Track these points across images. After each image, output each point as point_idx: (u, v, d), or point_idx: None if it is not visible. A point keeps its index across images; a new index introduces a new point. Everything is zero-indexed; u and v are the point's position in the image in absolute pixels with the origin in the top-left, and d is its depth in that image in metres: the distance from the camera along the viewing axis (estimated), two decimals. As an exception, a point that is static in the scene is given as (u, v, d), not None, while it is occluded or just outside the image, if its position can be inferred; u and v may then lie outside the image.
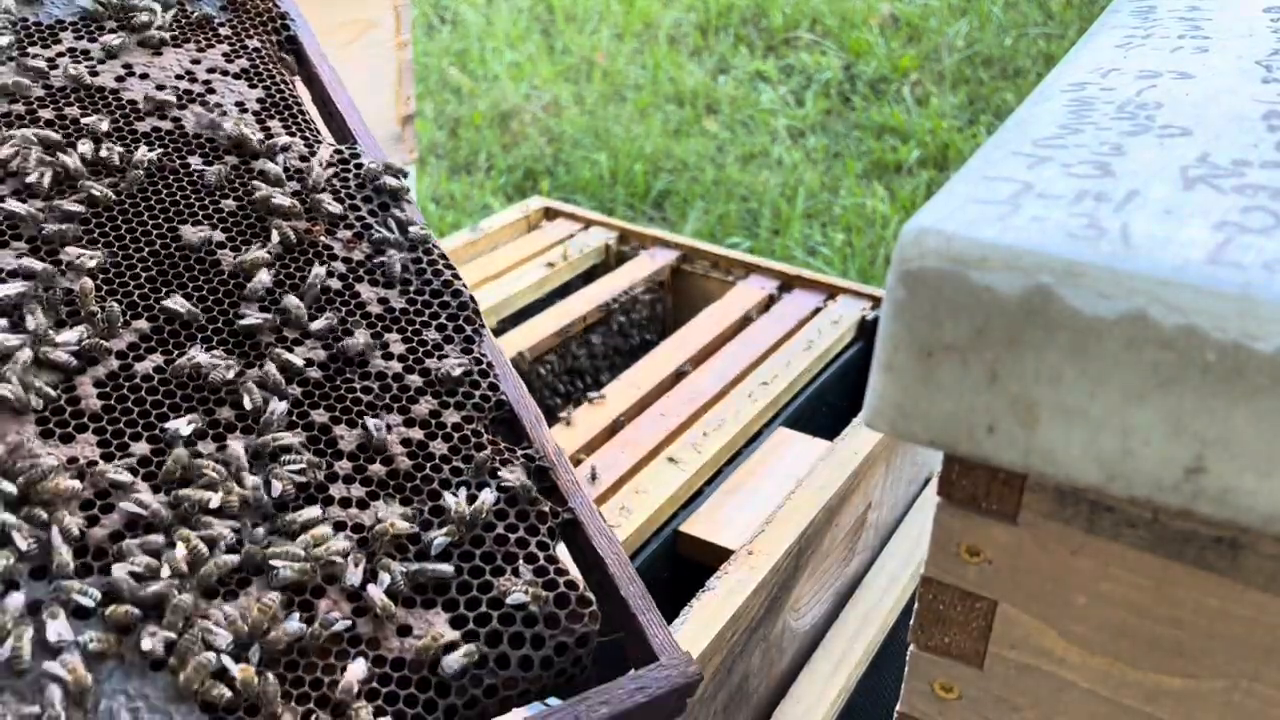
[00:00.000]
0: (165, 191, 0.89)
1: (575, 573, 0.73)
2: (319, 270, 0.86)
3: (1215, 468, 0.46)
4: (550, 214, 1.97)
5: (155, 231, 0.86)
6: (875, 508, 1.44)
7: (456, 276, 0.90)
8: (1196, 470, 0.47)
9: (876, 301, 1.71)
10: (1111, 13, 0.80)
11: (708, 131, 3.64)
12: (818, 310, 1.69)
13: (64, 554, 0.65)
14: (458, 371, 0.82)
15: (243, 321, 0.81)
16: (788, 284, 1.76)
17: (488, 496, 0.74)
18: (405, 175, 0.96)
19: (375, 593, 0.68)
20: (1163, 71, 0.67)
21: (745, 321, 1.67)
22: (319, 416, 0.78)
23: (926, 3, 4.28)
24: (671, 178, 3.40)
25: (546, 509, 0.76)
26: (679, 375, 1.51)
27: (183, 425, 0.74)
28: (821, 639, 1.33)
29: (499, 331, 1.64)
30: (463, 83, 3.89)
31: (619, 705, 0.66)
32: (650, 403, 1.44)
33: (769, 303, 1.73)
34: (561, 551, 0.75)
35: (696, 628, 1.07)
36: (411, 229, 0.92)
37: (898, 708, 0.68)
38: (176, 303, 0.81)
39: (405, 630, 0.68)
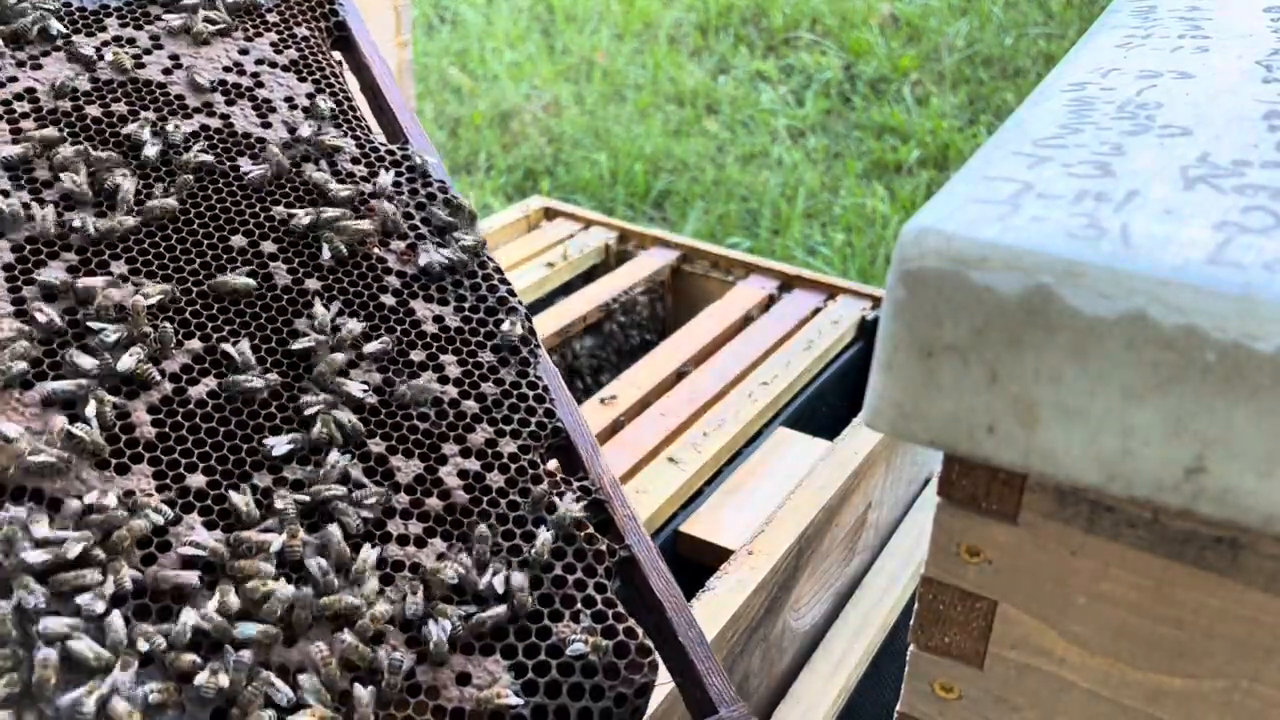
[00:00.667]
0: (215, 197, 0.86)
1: (631, 620, 0.72)
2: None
3: (1215, 468, 0.46)
4: (550, 214, 1.97)
5: (206, 242, 0.83)
6: (875, 508, 1.44)
7: (512, 293, 0.87)
8: (1197, 470, 0.47)
9: (876, 301, 1.71)
10: (1112, 12, 0.80)
11: (708, 131, 3.64)
12: (818, 310, 1.69)
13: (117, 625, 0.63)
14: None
15: (296, 345, 0.79)
16: (788, 284, 1.76)
17: (545, 536, 0.72)
18: (454, 191, 0.93)
19: (435, 632, 0.67)
20: (1163, 71, 0.67)
21: (745, 321, 1.67)
22: (375, 447, 0.76)
23: (927, 2, 4.28)
24: (671, 178, 3.40)
25: (604, 547, 0.74)
26: (679, 375, 1.51)
27: (281, 444, 0.73)
28: (821, 639, 1.33)
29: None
30: (463, 83, 3.89)
31: None
32: (650, 403, 1.44)
33: (769, 303, 1.73)
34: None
35: (696, 628, 1.07)
36: (466, 240, 0.89)
37: (898, 708, 0.68)
38: (237, 350, 0.78)
39: (465, 679, 0.67)
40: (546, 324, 1.62)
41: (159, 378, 0.75)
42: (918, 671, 0.66)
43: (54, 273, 0.78)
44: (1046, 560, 0.59)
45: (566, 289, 1.79)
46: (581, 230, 1.90)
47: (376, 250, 0.87)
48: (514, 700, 0.65)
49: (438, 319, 0.84)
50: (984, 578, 0.61)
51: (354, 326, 0.81)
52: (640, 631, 0.70)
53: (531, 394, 0.82)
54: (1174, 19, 0.76)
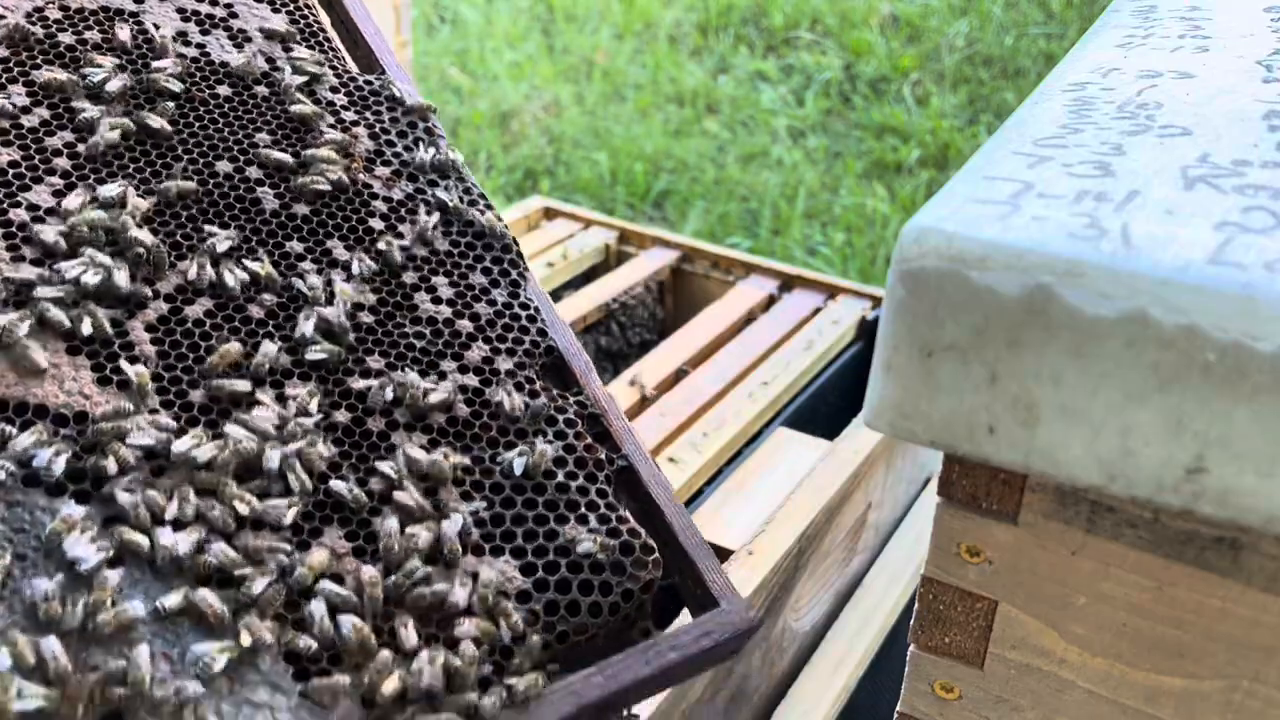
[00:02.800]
0: (198, 124, 0.86)
1: (634, 522, 0.74)
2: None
3: (1216, 468, 0.46)
4: (550, 214, 1.97)
5: (192, 168, 0.84)
6: (876, 508, 1.44)
7: (499, 218, 0.89)
8: (1197, 470, 0.47)
9: (877, 301, 1.71)
10: (1112, 12, 0.80)
11: (708, 131, 3.64)
12: (818, 310, 1.69)
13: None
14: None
15: (295, 283, 0.79)
16: (788, 284, 1.76)
17: (546, 446, 0.75)
18: (435, 111, 0.94)
19: (449, 530, 0.69)
20: (1163, 71, 0.67)
21: (745, 321, 1.67)
22: (375, 363, 0.77)
23: (927, 2, 4.28)
24: (672, 177, 3.40)
25: (603, 456, 0.76)
26: (679, 375, 1.51)
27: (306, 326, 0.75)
28: (822, 639, 1.33)
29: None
30: (463, 82, 3.89)
31: (686, 650, 0.68)
32: (650, 403, 1.44)
33: (769, 303, 1.73)
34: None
35: (696, 628, 1.07)
36: (448, 164, 0.90)
37: (898, 708, 0.68)
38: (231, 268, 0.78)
39: (476, 578, 0.69)
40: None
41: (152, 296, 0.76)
42: (918, 671, 0.66)
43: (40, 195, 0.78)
44: (1047, 560, 0.58)
45: (566, 289, 1.79)
46: (581, 230, 1.90)
47: (362, 176, 0.88)
48: (526, 585, 0.68)
49: (426, 242, 0.86)
50: (984, 578, 0.61)
51: (342, 252, 0.83)
52: (643, 532, 0.73)
53: (524, 314, 0.84)
54: (1174, 19, 0.76)
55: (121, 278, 0.74)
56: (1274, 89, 0.63)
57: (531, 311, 0.84)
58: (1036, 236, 0.48)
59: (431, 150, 0.91)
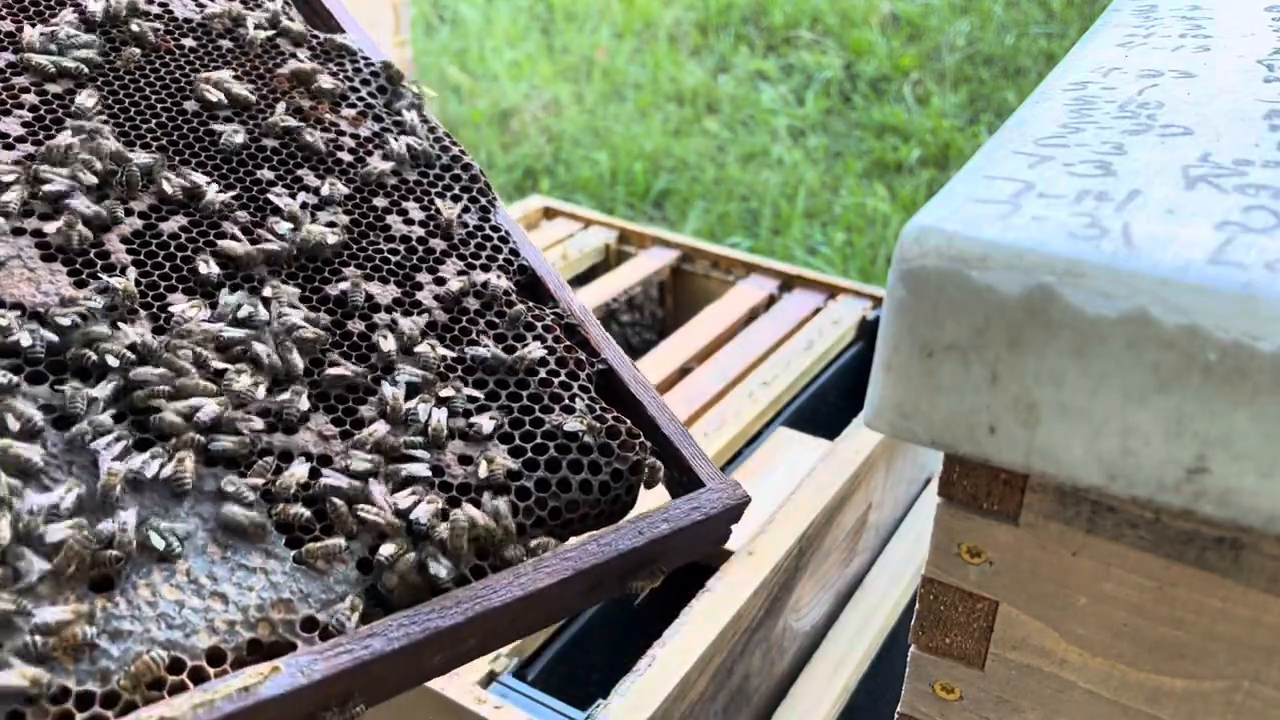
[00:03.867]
0: (164, 69, 0.87)
1: (616, 410, 0.76)
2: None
3: (1217, 468, 0.46)
4: (550, 213, 1.97)
5: (160, 105, 0.85)
6: (876, 508, 1.44)
7: (464, 152, 0.91)
8: (1198, 470, 0.46)
9: (877, 301, 1.71)
10: (1113, 11, 0.80)
11: (708, 131, 3.64)
12: (818, 310, 1.69)
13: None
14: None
15: (271, 199, 0.80)
16: (788, 284, 1.76)
17: (531, 345, 0.77)
18: (393, 68, 0.95)
19: (434, 415, 0.70)
20: (1164, 71, 0.66)
21: (745, 321, 1.67)
22: (350, 273, 0.79)
23: (927, 1, 4.28)
24: (672, 177, 3.40)
25: (583, 357, 0.78)
26: (680, 374, 1.51)
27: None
28: (822, 639, 1.32)
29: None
30: (462, 82, 3.89)
31: (678, 522, 0.69)
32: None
33: (769, 302, 1.73)
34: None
35: (697, 628, 1.07)
36: (413, 108, 0.92)
37: (899, 708, 0.68)
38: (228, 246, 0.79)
39: (465, 460, 0.70)
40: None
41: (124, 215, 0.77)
42: (919, 672, 0.66)
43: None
44: (1047, 561, 0.58)
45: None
46: (581, 230, 1.90)
47: (329, 115, 0.90)
48: (515, 465, 0.70)
49: (395, 173, 0.88)
50: (985, 578, 0.61)
51: (313, 180, 0.84)
52: (628, 420, 0.75)
53: (495, 235, 0.86)
54: (1175, 18, 0.76)
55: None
56: (1275, 88, 0.63)
57: (503, 233, 0.86)
58: (1037, 236, 0.48)
59: (393, 96, 0.93)
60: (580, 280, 1.83)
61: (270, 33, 0.93)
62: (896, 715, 0.69)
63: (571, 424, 0.72)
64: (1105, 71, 0.67)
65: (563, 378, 0.76)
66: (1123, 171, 0.54)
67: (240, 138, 0.84)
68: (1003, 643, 0.62)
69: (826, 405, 1.60)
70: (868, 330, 1.68)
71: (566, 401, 0.74)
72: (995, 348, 0.49)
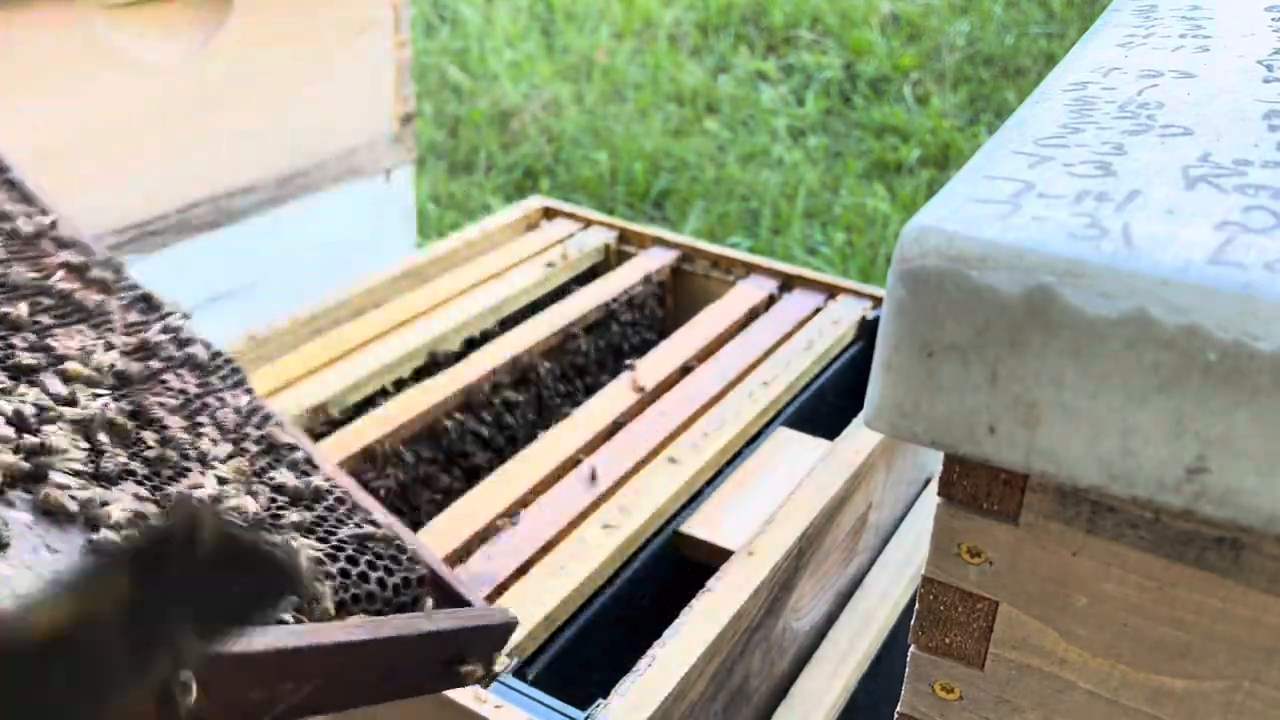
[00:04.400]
0: None
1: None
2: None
3: (1217, 468, 0.46)
4: (550, 213, 1.97)
5: None
6: (876, 508, 1.44)
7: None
8: (1198, 470, 0.46)
9: (877, 301, 1.71)
10: (1113, 11, 0.80)
11: (708, 131, 3.64)
12: (818, 310, 1.69)
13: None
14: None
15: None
16: (788, 284, 1.76)
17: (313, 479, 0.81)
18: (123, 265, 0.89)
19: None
20: (1164, 71, 0.66)
21: (745, 321, 1.67)
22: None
23: (927, 1, 4.28)
24: (672, 177, 3.40)
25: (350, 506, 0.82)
26: (681, 373, 1.51)
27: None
28: (822, 639, 1.32)
29: (499, 332, 1.64)
30: (462, 82, 3.89)
31: (463, 622, 0.74)
32: (650, 402, 1.44)
33: (769, 302, 1.73)
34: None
35: (697, 628, 1.07)
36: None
37: (898, 708, 0.68)
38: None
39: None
40: (546, 324, 1.62)
41: None
42: (918, 672, 0.66)
43: None
44: (1048, 561, 0.58)
45: (566, 289, 1.79)
46: (581, 230, 1.90)
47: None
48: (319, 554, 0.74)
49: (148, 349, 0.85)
50: (985, 578, 0.61)
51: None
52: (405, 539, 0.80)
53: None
54: (1175, 18, 0.76)
55: None
56: (1275, 89, 0.63)
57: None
58: (1037, 236, 0.48)
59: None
60: (580, 280, 1.83)
61: None
62: (896, 715, 0.69)
63: (366, 528, 0.78)
64: (1105, 72, 0.67)
65: (341, 512, 0.80)
66: (1123, 172, 0.54)
67: None
68: (1003, 643, 0.62)
69: (826, 405, 1.60)
70: (868, 330, 1.68)
71: (353, 524, 0.79)
72: (995, 348, 0.49)
